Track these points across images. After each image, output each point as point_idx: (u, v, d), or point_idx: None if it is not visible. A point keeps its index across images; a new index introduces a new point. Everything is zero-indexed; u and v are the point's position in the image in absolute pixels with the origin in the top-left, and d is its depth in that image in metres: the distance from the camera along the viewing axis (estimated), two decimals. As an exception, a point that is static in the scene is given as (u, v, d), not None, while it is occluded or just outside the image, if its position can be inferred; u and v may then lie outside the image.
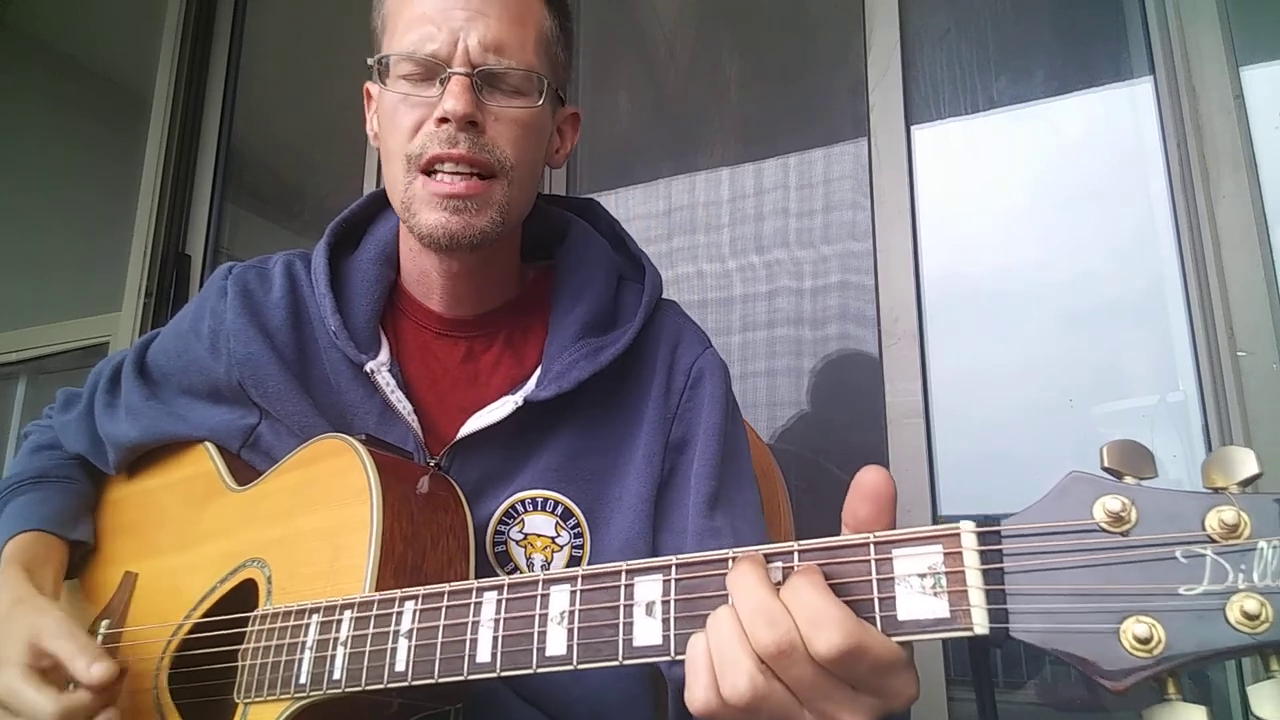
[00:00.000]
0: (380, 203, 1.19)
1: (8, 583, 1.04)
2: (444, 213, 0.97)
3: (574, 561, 1.03)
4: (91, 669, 0.90)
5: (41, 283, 3.30)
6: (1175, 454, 1.77)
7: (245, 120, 3.03)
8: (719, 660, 0.61)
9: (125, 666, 0.98)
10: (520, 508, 1.04)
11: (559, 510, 1.04)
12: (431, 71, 0.98)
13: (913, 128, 2.11)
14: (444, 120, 0.96)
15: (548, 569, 1.02)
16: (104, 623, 1.08)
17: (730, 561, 0.65)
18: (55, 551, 1.13)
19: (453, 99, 0.95)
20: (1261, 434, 1.63)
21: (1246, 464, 0.52)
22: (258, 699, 0.88)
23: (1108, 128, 1.99)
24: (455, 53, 0.97)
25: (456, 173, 0.97)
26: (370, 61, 1.05)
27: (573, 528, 1.04)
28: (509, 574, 0.94)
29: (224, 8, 3.08)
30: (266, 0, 3.12)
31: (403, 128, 0.99)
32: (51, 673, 0.94)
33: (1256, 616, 0.49)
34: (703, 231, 2.37)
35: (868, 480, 0.63)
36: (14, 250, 3.40)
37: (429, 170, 0.97)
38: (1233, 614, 0.50)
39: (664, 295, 1.18)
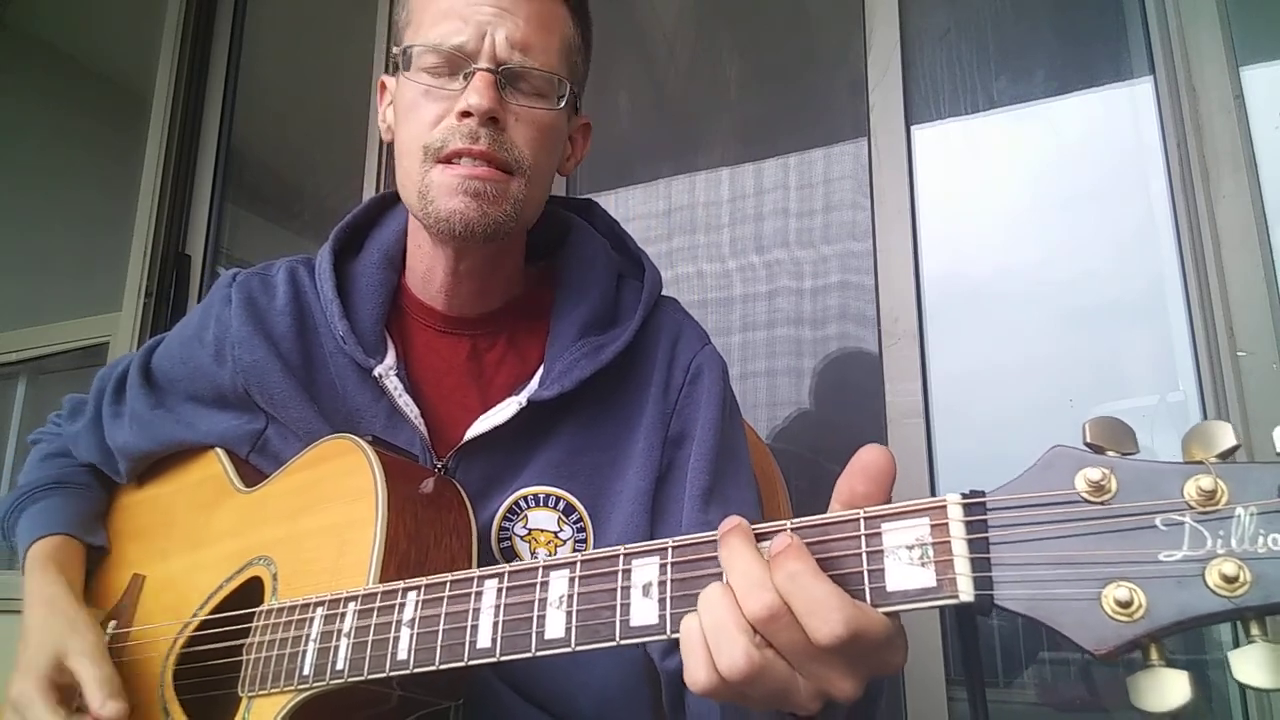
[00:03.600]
0: (382, 207, 1.19)
1: (44, 581, 1.06)
2: (464, 197, 0.97)
3: None
4: (105, 706, 0.93)
5: (41, 283, 3.30)
6: (1175, 454, 1.77)
7: (245, 120, 3.03)
8: (714, 638, 0.62)
9: (135, 708, 1.00)
10: (523, 504, 1.04)
11: (561, 505, 1.05)
12: (456, 65, 0.99)
13: (913, 128, 2.11)
14: (466, 115, 0.96)
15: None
16: (111, 623, 1.09)
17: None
18: (78, 555, 1.15)
19: (477, 94, 0.96)
20: (1261, 434, 1.63)
21: (1225, 437, 0.54)
22: (261, 692, 0.89)
23: (1108, 128, 1.98)
24: (481, 48, 0.98)
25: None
26: (395, 50, 1.05)
27: (575, 522, 1.05)
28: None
29: (224, 8, 3.08)
30: (266, 0, 3.13)
31: (423, 120, 1.00)
32: (68, 689, 0.96)
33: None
34: (703, 231, 2.37)
35: (869, 458, 0.64)
36: (14, 250, 3.40)
37: (448, 162, 0.98)
38: (1212, 578, 0.51)
39: (663, 293, 1.18)
